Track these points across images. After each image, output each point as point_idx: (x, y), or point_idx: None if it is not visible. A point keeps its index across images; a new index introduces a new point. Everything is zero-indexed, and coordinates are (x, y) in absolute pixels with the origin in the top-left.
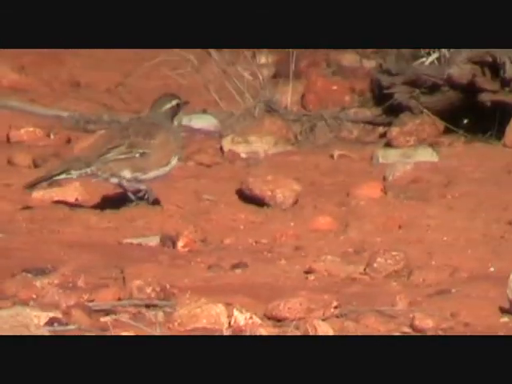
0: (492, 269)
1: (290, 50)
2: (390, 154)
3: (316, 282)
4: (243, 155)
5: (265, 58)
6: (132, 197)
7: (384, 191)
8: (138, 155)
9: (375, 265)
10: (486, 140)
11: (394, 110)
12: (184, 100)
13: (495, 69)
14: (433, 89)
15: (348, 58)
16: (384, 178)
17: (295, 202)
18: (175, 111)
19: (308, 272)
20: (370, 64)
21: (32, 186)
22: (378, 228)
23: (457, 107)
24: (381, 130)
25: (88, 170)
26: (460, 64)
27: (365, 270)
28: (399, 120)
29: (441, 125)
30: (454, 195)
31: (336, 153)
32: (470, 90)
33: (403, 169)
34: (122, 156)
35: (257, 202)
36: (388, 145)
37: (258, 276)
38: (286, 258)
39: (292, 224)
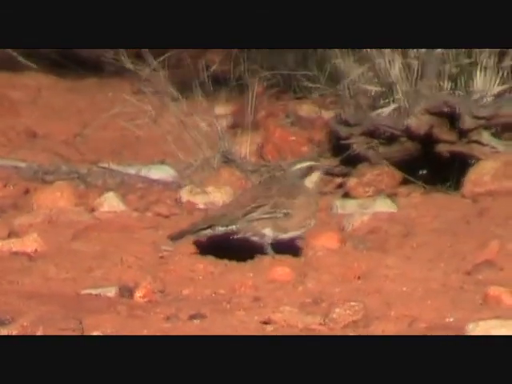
0: (451, 319)
1: (247, 101)
2: (348, 205)
3: (274, 333)
4: (201, 206)
5: (222, 108)
6: (269, 251)
7: (342, 242)
8: (281, 215)
9: (333, 315)
10: (444, 191)
11: (352, 161)
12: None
13: (453, 120)
14: (391, 139)
15: (306, 108)
16: (342, 229)
17: None
18: (306, 173)
19: (266, 323)
20: (328, 114)
21: (177, 238)
22: (337, 278)
23: (415, 158)
24: (339, 180)
25: (234, 228)
26: (418, 115)
27: (323, 320)
28: (357, 170)
29: (399, 175)
30: (412, 245)
31: None
32: (427, 140)
33: (361, 219)
34: (266, 216)
35: (214, 252)
36: (346, 195)
37: (216, 327)
38: (244, 309)
39: (251, 275)
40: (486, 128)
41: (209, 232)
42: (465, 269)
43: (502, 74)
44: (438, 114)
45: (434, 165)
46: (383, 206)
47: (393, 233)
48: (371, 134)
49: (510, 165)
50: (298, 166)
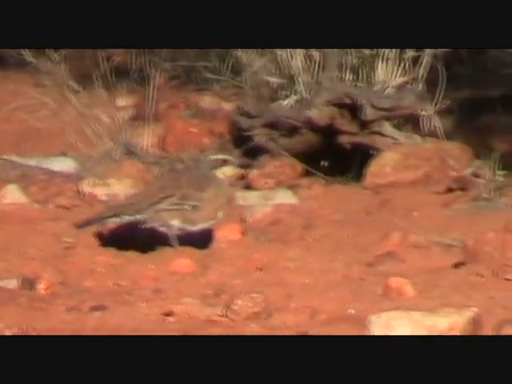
0: (352, 310)
1: (148, 93)
2: (249, 196)
3: (175, 325)
4: (103, 198)
5: (124, 100)
6: (175, 243)
7: (244, 233)
8: (189, 207)
9: (235, 307)
10: (345, 182)
11: (253, 153)
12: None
13: (354, 111)
14: (292, 131)
15: (207, 100)
16: (244, 220)
17: None
18: (220, 165)
19: (167, 314)
20: (229, 106)
21: (82, 226)
22: (238, 270)
23: (316, 149)
24: (240, 172)
25: (138, 217)
26: (319, 106)
27: (224, 312)
28: (258, 162)
29: (300, 167)
30: (313, 237)
31: None
32: (329, 132)
33: (263, 211)
34: (174, 207)
35: (117, 244)
36: (247, 187)
37: (118, 318)
38: (145, 301)
39: (152, 266)
40: (388, 119)
41: (114, 221)
42: (366, 260)
43: (404, 66)
44: (340, 105)
45: (335, 156)
46: (284, 197)
47: (294, 224)
48: (272, 125)
49: (410, 156)
50: (213, 157)
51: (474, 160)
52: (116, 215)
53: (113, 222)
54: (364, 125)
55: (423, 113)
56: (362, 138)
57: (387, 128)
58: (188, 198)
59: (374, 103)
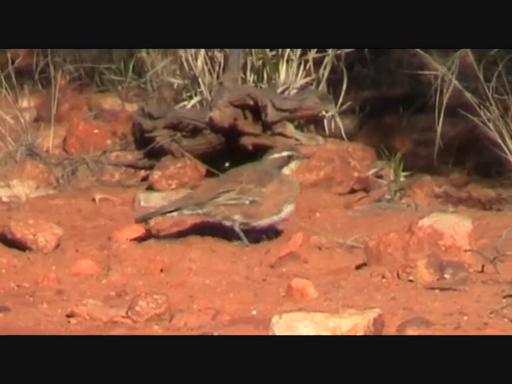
0: (254, 312)
1: (51, 94)
2: (152, 198)
3: (78, 326)
4: (5, 199)
5: (27, 101)
6: (242, 236)
7: (146, 235)
8: (247, 202)
9: (137, 308)
10: None
11: (155, 154)
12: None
13: (257, 112)
14: (195, 132)
15: (109, 101)
16: (146, 222)
17: (57, 246)
18: (286, 162)
19: (70, 316)
20: (131, 107)
21: (143, 220)
22: (140, 271)
23: (219, 151)
24: (143, 173)
25: (199, 211)
26: (221, 107)
27: (127, 313)
28: (161, 163)
29: (203, 168)
30: (216, 238)
31: (98, 196)
32: (231, 133)
33: None
34: (232, 201)
35: (19, 245)
36: (150, 188)
37: (20, 320)
38: (47, 302)
39: (54, 268)
40: (290, 120)
41: (176, 214)
42: (269, 262)
43: (305, 67)
44: (242, 106)
45: (238, 157)
46: None
47: (196, 225)
48: (175, 126)
49: (313, 157)
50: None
51: (376, 161)
52: (177, 209)
53: (174, 215)
54: (266, 126)
55: (325, 114)
56: (265, 139)
57: (290, 129)
58: (247, 193)
59: (277, 104)
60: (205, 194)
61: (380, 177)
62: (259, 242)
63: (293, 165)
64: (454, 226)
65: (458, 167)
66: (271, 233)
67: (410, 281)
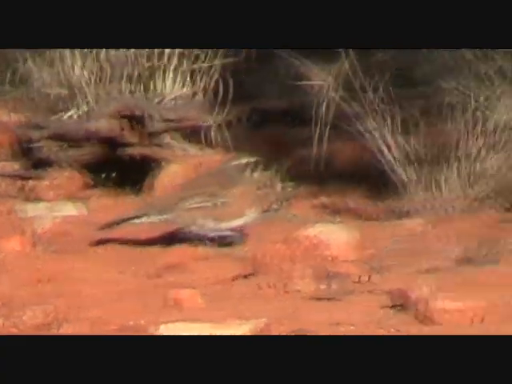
0: (140, 321)
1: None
2: (37, 208)
3: None
4: None
5: None
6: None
7: (31, 244)
8: (219, 203)
9: (24, 318)
10: (133, 193)
11: (41, 164)
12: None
13: (141, 122)
14: (79, 142)
15: None
16: (32, 232)
17: None
18: (245, 167)
19: None
20: (17, 117)
21: (107, 226)
22: (26, 281)
23: (104, 161)
24: (29, 183)
25: (167, 217)
26: (106, 117)
27: (13, 323)
28: (47, 174)
29: (88, 178)
30: (102, 248)
31: None
32: (116, 143)
33: (50, 222)
34: (202, 204)
35: None
36: (36, 198)
37: None
38: None
39: None
40: (174, 130)
41: (140, 221)
42: (155, 271)
43: (191, 77)
44: (126, 116)
45: (123, 168)
46: (73, 209)
47: (82, 236)
48: (60, 137)
49: (198, 167)
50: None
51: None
52: (145, 215)
53: (141, 222)
54: (150, 136)
55: (210, 123)
56: (149, 150)
57: (173, 139)
58: (217, 196)
59: (161, 114)
60: (169, 200)
61: (266, 187)
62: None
63: (253, 171)
64: (339, 237)
65: (339, 178)
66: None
67: (296, 291)
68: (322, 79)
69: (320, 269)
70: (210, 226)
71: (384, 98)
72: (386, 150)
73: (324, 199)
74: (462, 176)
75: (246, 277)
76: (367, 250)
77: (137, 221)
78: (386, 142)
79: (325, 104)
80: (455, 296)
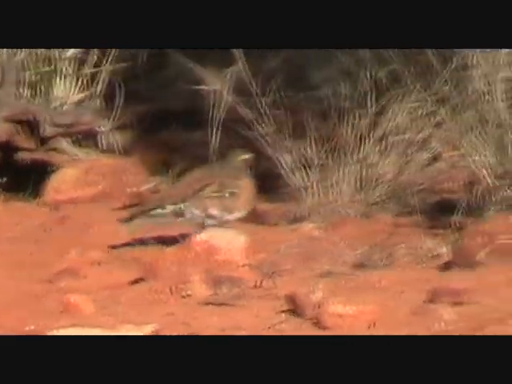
0: (31, 327)
1: None
2: None
3: None
4: None
5: None
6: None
7: None
8: (227, 195)
9: None
10: (24, 198)
11: None
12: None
13: (33, 127)
14: None
15: None
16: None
17: None
18: (249, 163)
19: None
20: None
21: (128, 220)
22: None
23: None
24: None
25: (182, 206)
26: (0, 122)
27: None
28: None
29: None
30: None
31: None
32: (7, 148)
33: None
34: (215, 194)
35: None
36: None
37: None
38: None
39: None
40: (67, 135)
41: (159, 212)
42: (46, 277)
43: (82, 82)
44: (18, 121)
45: (14, 173)
46: None
47: None
48: None
49: (90, 172)
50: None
51: (153, 175)
52: (160, 206)
53: (157, 213)
54: (43, 141)
55: (102, 128)
56: (41, 155)
57: (66, 144)
58: (227, 186)
59: (53, 119)
60: (183, 190)
61: (157, 191)
62: None
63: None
64: (230, 241)
65: None
66: None
67: (187, 295)
68: (217, 83)
69: (212, 273)
70: (215, 215)
71: (278, 103)
72: (280, 154)
73: None
74: (355, 180)
75: (136, 282)
76: (260, 254)
77: (154, 212)
78: (281, 146)
79: (220, 108)
80: (348, 300)
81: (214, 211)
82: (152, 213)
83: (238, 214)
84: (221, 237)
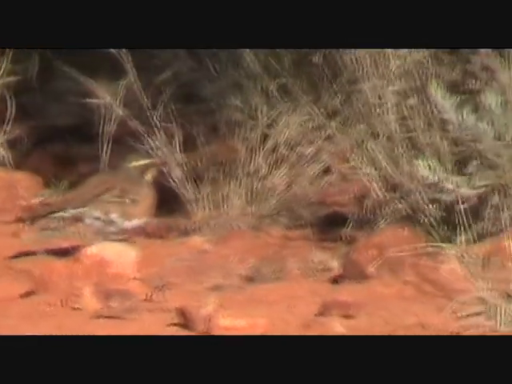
0: None
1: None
2: None
3: None
4: None
5: None
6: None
7: None
8: (127, 201)
9: None
10: None
11: None
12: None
13: None
14: None
15: None
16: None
17: None
18: (145, 169)
19: None
20: None
21: (32, 221)
22: None
23: None
24: None
25: (83, 210)
26: None
27: None
28: None
29: None
30: None
31: None
32: None
33: None
34: (116, 199)
35: None
36: None
37: None
38: None
39: None
40: None
41: (62, 215)
42: None
43: None
44: None
45: None
46: None
47: None
48: None
49: None
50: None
51: (43, 189)
52: (62, 209)
53: (60, 216)
54: None
55: None
56: None
57: None
58: (128, 192)
59: None
60: (87, 194)
61: (47, 205)
62: None
63: (151, 172)
64: (121, 254)
65: None
66: None
67: (77, 309)
68: (107, 96)
69: (101, 287)
70: (114, 220)
71: (169, 115)
72: (171, 167)
73: None
74: (246, 193)
75: (26, 295)
76: (150, 267)
77: (55, 215)
78: (171, 159)
79: (111, 121)
80: (238, 314)
81: (114, 216)
82: (54, 215)
83: (137, 222)
84: (112, 250)
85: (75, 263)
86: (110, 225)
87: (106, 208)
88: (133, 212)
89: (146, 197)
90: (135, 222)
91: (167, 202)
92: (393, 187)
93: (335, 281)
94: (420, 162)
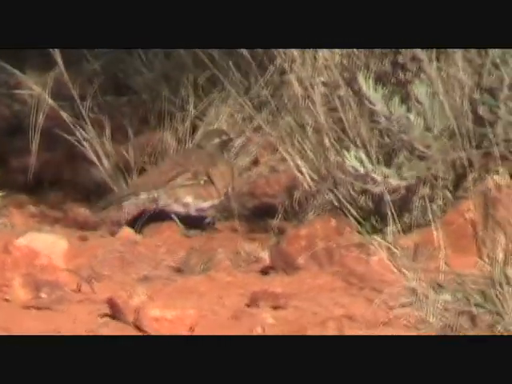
0: None
1: None
2: None
3: None
4: None
5: None
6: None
7: None
8: (202, 182)
9: None
10: None
11: None
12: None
13: None
14: None
15: None
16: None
17: None
18: (224, 146)
19: None
20: None
21: (104, 207)
22: None
23: None
24: None
25: (155, 194)
26: None
27: None
28: None
29: None
30: None
31: None
32: None
33: None
34: (189, 182)
35: None
36: None
37: None
38: None
39: None
40: None
41: (133, 200)
42: None
43: None
44: None
45: None
46: None
47: None
48: None
49: None
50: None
51: None
52: (134, 193)
53: (131, 201)
54: None
55: None
56: None
57: None
58: (200, 174)
59: None
60: (158, 178)
61: None
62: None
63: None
64: (50, 246)
65: (54, 187)
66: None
67: (7, 300)
68: (37, 87)
69: (30, 278)
70: (189, 203)
71: (98, 106)
72: (102, 159)
73: (34, 208)
74: None
75: None
76: (79, 258)
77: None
78: (102, 150)
79: (41, 112)
80: (167, 305)
81: (187, 199)
82: (127, 199)
83: (211, 202)
84: (41, 241)
85: (4, 254)
86: (186, 207)
87: (179, 193)
88: (205, 194)
89: (220, 177)
90: (210, 203)
91: (98, 193)
92: (322, 178)
93: (265, 272)
94: (349, 153)
